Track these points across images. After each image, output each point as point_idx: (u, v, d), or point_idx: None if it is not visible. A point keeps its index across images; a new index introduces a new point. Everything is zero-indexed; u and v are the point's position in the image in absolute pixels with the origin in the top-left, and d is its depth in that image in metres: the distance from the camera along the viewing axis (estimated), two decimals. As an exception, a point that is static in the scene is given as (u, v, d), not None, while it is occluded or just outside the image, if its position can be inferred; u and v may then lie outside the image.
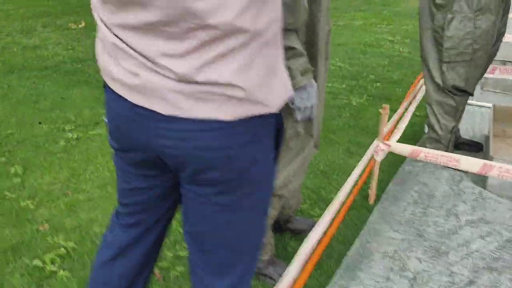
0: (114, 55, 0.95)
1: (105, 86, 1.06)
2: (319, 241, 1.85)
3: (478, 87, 3.85)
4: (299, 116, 1.48)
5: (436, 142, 2.83)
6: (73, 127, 3.30)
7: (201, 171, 0.96)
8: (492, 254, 2.06)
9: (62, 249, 2.05)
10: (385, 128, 2.35)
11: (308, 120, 1.63)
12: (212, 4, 0.80)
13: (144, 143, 0.99)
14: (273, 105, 0.95)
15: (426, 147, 2.85)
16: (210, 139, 0.92)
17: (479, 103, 3.73)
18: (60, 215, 2.33)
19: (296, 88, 1.43)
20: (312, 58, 1.56)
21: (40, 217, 2.31)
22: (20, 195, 2.48)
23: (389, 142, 2.34)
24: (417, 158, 2.27)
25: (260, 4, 0.84)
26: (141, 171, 1.10)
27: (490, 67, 3.21)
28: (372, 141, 2.40)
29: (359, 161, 2.29)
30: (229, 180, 0.97)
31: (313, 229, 1.76)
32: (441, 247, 2.11)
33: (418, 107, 3.20)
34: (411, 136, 3.23)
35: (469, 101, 3.23)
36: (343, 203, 2.05)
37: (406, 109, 2.92)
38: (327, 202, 2.28)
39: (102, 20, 0.95)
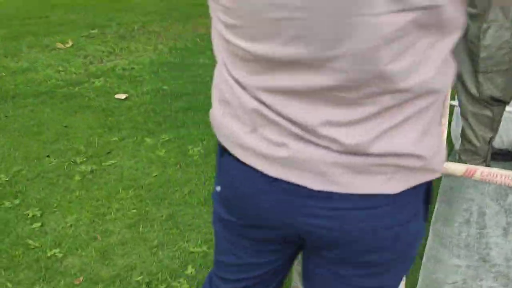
0: (250, 121, 0.79)
1: (221, 150, 0.89)
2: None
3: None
4: None
5: (473, 154, 2.73)
6: (84, 159, 3.08)
7: (356, 253, 0.80)
8: None
9: (106, 305, 1.86)
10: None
11: None
12: (408, 65, 0.65)
13: (281, 221, 0.82)
14: (440, 168, 0.80)
15: (461, 159, 2.75)
16: (375, 218, 0.76)
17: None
18: (93, 264, 2.12)
19: None
20: None
21: (72, 268, 2.10)
22: (44, 243, 2.27)
23: (441, 162, 2.21)
24: (472, 178, 2.16)
25: (449, 59, 0.70)
26: (261, 247, 0.94)
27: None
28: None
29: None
30: (388, 261, 0.81)
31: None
32: (510, 272, 2.00)
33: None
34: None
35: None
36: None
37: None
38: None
39: (235, 79, 0.79)
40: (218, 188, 0.91)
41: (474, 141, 2.69)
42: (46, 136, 3.43)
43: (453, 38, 0.69)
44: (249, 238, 0.92)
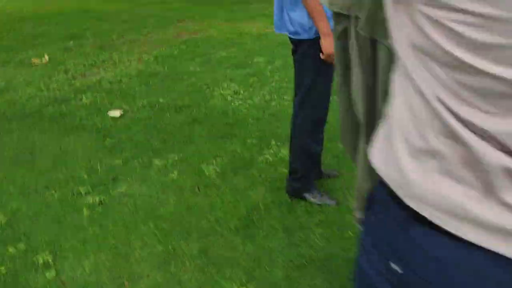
0: (483, 183, 0.54)
1: (405, 216, 0.64)
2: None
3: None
4: None
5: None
6: (89, 189, 2.76)
7: None
8: None
9: None
10: None
11: None
12: None
13: None
14: None
15: None
16: None
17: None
18: (126, 317, 1.84)
19: None
20: None
21: (103, 325, 1.81)
22: (64, 295, 1.97)
23: None
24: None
25: None
26: None
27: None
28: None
29: None
30: None
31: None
32: None
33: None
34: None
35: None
36: None
37: None
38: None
39: (466, 122, 0.54)
40: (396, 267, 0.66)
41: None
42: (41, 164, 3.09)
43: None
44: None
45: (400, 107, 0.63)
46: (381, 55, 1.15)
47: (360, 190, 1.39)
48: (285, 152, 3.07)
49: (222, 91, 4.27)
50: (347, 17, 1.30)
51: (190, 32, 6.97)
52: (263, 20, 7.73)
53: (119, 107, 3.99)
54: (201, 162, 3.01)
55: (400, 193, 0.64)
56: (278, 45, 5.90)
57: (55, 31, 7.21)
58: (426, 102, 0.58)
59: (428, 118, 0.58)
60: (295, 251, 2.15)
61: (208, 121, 3.64)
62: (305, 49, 2.19)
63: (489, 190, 0.55)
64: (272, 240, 2.23)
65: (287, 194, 2.56)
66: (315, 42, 2.15)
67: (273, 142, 3.21)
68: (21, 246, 2.28)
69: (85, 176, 2.90)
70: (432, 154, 0.59)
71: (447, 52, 0.53)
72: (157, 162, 3.03)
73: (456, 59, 0.53)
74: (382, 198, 0.70)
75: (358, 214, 1.42)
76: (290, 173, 2.50)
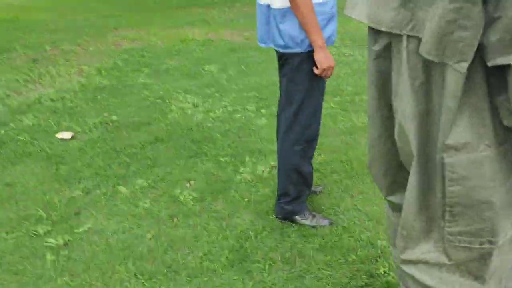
0: None
1: None
2: None
3: None
4: None
5: None
6: (49, 228, 2.41)
7: None
8: None
9: None
10: None
11: None
12: None
13: None
14: None
15: None
16: None
17: None
18: None
19: None
20: None
21: None
22: None
23: None
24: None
25: None
26: None
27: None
28: None
29: None
30: None
31: None
32: None
33: None
34: None
35: None
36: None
37: None
38: None
39: None
40: None
41: None
42: (-15, 202, 2.68)
43: None
44: None
45: None
46: (450, 79, 0.99)
47: (407, 229, 1.22)
48: (261, 168, 2.88)
49: (180, 104, 3.99)
50: (389, 34, 1.13)
51: (130, 41, 6.58)
52: (204, 25, 7.48)
53: (69, 128, 3.61)
54: (174, 187, 2.74)
55: None
56: (227, 52, 5.70)
57: (-23, 44, 6.54)
58: None
59: None
60: (300, 284, 1.96)
61: (172, 139, 3.37)
62: (296, 63, 2.01)
63: None
64: (272, 273, 2.03)
65: (276, 218, 2.38)
66: (308, 55, 1.97)
67: (247, 159, 3.00)
68: (-23, 308, 1.92)
69: (42, 213, 2.54)
70: None
71: None
72: (123, 190, 2.72)
73: None
74: None
75: (405, 256, 1.25)
76: (280, 196, 2.31)
